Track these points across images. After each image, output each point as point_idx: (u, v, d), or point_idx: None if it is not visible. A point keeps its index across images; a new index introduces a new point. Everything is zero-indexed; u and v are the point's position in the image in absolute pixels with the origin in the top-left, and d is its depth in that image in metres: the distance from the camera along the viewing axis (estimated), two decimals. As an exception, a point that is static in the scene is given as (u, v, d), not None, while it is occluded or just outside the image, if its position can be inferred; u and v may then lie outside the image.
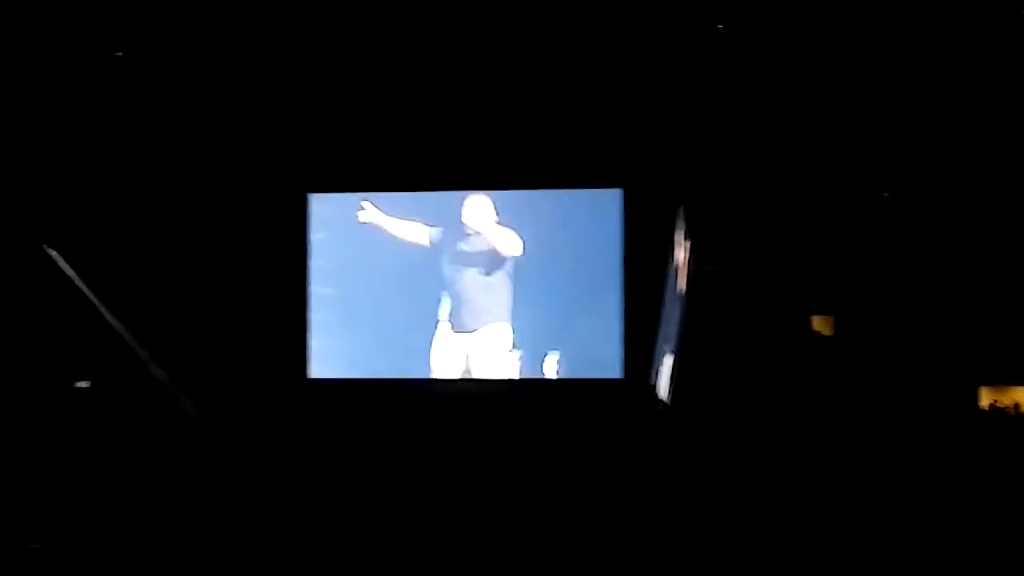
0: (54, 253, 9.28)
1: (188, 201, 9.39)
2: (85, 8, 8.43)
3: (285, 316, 9.36)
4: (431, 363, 9.15)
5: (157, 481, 8.58)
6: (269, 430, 9.00)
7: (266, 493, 8.55)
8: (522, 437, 8.74)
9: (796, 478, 8.14)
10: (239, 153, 9.35)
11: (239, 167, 9.37)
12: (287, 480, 8.61)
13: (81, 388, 9.39)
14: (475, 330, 9.06)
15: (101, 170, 9.35)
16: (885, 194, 9.05)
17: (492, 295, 9.01)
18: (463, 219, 9.04)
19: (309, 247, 9.38)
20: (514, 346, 9.03)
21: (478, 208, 9.02)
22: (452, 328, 9.08)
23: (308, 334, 9.37)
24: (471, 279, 9.04)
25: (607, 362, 9.01)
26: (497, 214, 9.02)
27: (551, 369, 9.06)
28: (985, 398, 8.96)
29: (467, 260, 9.04)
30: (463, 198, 9.06)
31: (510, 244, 8.97)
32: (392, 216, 9.17)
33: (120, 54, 8.78)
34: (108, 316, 9.27)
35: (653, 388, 8.84)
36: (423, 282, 9.13)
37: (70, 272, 9.29)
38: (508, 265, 9.00)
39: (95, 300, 9.29)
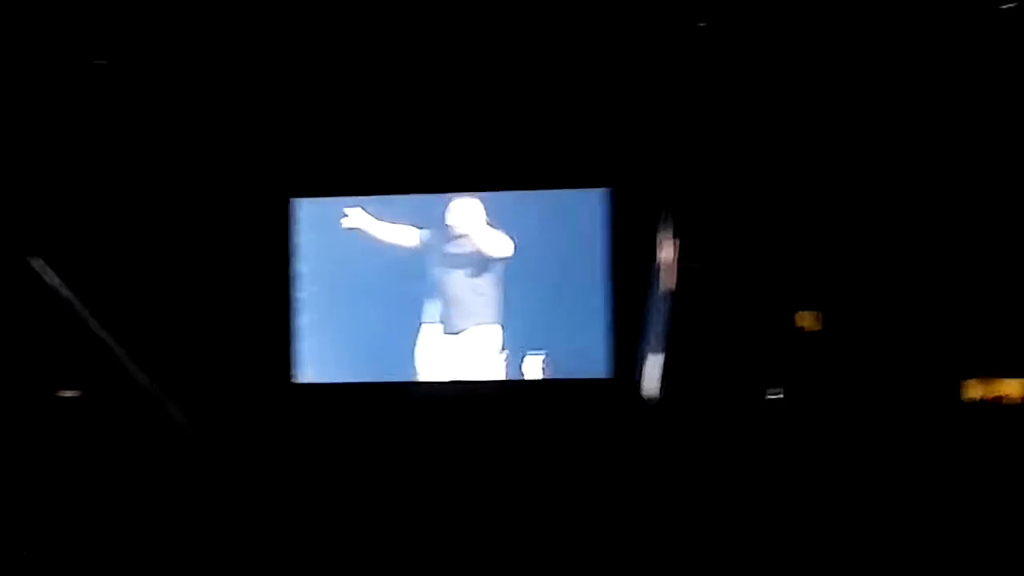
0: (38, 262, 9.20)
1: (171, 208, 9.34)
2: (66, 15, 8.37)
3: (270, 320, 9.32)
4: (418, 365, 9.13)
5: (145, 488, 8.54)
6: (256, 435, 8.97)
7: (254, 498, 8.52)
8: (511, 438, 8.75)
9: (785, 475, 8.18)
10: (222, 158, 9.30)
11: (222, 172, 9.32)
12: (275, 484, 8.59)
13: (67, 398, 9.33)
14: (463, 331, 9.05)
15: (84, 176, 9.29)
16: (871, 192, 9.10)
17: (480, 297, 9.01)
18: (450, 221, 9.03)
19: (293, 251, 9.33)
20: (503, 347, 9.04)
21: (465, 210, 9.02)
22: (440, 330, 9.06)
23: (293, 338, 9.33)
24: (459, 281, 9.03)
25: (595, 361, 9.02)
26: (484, 216, 9.01)
27: (539, 370, 9.06)
28: (971, 391, 9.02)
29: (455, 262, 9.04)
30: (450, 200, 9.05)
31: (498, 246, 8.97)
32: (378, 220, 9.14)
33: (102, 62, 8.72)
34: (92, 323, 9.20)
35: (641, 386, 8.86)
36: (409, 285, 9.13)
37: (54, 280, 9.21)
38: (496, 267, 9.00)
39: (79, 307, 9.22)
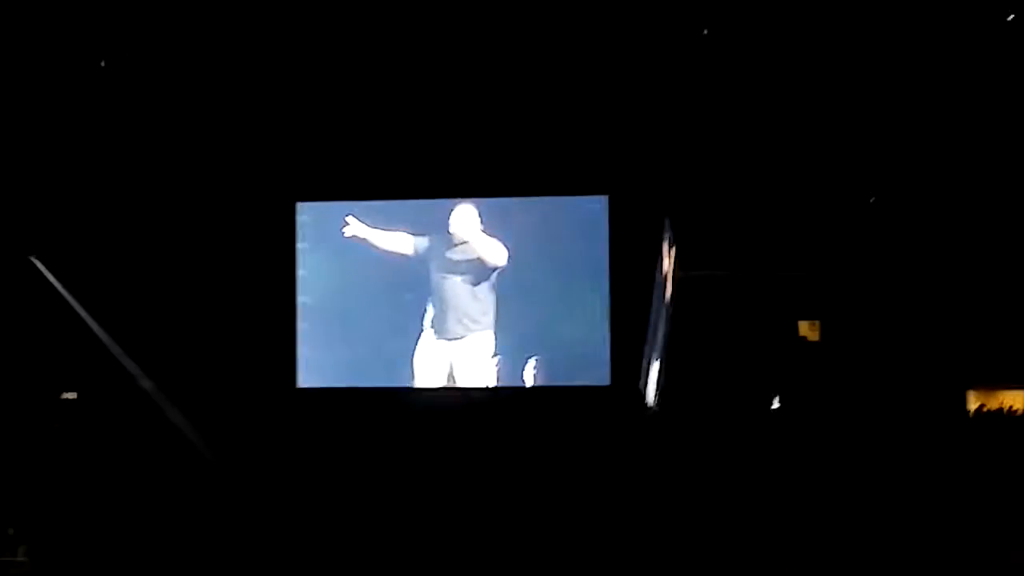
0: (39, 265, 9.27)
1: (176, 213, 9.37)
2: (69, 18, 8.44)
3: (274, 326, 9.32)
4: (417, 371, 9.13)
5: (148, 489, 8.59)
6: (259, 438, 9.00)
7: (256, 499, 8.56)
8: (511, 444, 8.74)
9: (785, 482, 8.15)
10: (226, 163, 9.33)
11: (226, 177, 9.35)
12: (277, 486, 8.62)
13: (68, 400, 9.39)
14: (461, 338, 9.04)
15: (88, 180, 9.34)
16: (872, 200, 9.07)
17: (478, 303, 9.00)
18: (450, 229, 9.03)
19: (296, 257, 9.35)
20: (500, 354, 9.02)
21: (466, 217, 9.01)
22: (438, 336, 9.06)
23: (297, 344, 9.35)
24: (458, 287, 9.02)
25: (595, 368, 8.98)
26: (483, 223, 9.02)
27: (537, 376, 9.04)
28: (973, 401, 8.98)
29: (454, 268, 9.03)
30: (450, 207, 9.05)
31: (497, 253, 8.96)
32: (377, 228, 9.15)
33: (105, 64, 8.78)
34: (95, 327, 9.26)
35: (642, 394, 8.84)
36: (409, 291, 9.12)
37: (56, 284, 9.27)
38: (494, 273, 8.99)
39: (82, 311, 9.28)
